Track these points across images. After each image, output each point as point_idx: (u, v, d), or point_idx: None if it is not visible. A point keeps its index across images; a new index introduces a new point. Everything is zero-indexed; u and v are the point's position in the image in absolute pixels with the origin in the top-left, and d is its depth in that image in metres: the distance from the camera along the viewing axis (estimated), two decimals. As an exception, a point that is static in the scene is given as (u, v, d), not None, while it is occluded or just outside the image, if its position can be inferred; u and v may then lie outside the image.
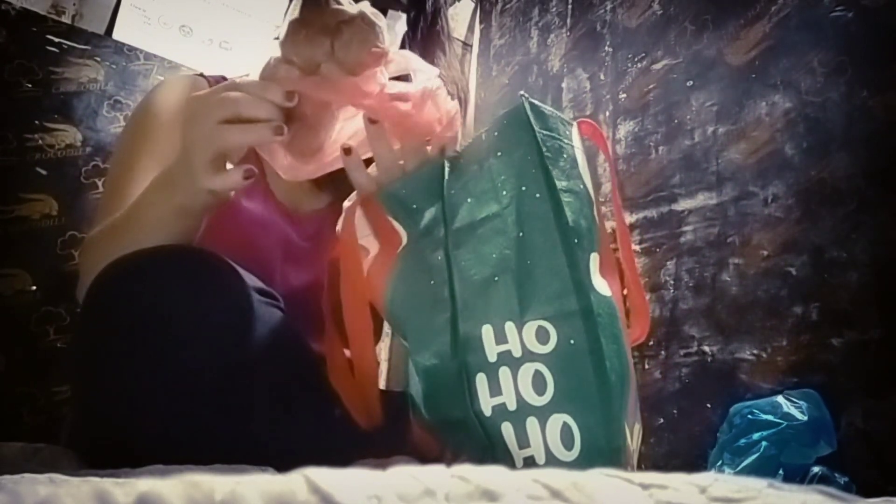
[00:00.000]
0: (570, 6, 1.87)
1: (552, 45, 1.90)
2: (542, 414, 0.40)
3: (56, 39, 1.52)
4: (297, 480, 0.21)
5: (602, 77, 1.67)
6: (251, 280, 0.56)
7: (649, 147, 1.47)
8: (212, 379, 0.50)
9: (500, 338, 0.42)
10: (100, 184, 1.52)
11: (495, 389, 0.41)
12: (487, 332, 0.42)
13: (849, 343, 1.01)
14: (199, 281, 0.51)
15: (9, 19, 1.46)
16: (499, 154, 0.47)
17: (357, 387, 0.54)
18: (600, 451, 0.40)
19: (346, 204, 0.55)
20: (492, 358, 0.42)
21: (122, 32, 1.67)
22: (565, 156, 0.47)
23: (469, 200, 0.47)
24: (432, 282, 0.46)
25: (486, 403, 0.41)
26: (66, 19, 1.58)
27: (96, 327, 0.51)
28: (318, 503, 0.20)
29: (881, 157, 1.03)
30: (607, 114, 1.63)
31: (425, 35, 0.82)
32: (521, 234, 0.45)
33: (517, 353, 0.42)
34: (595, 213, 0.48)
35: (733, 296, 1.20)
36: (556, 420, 0.40)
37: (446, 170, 0.48)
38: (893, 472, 0.91)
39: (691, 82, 1.40)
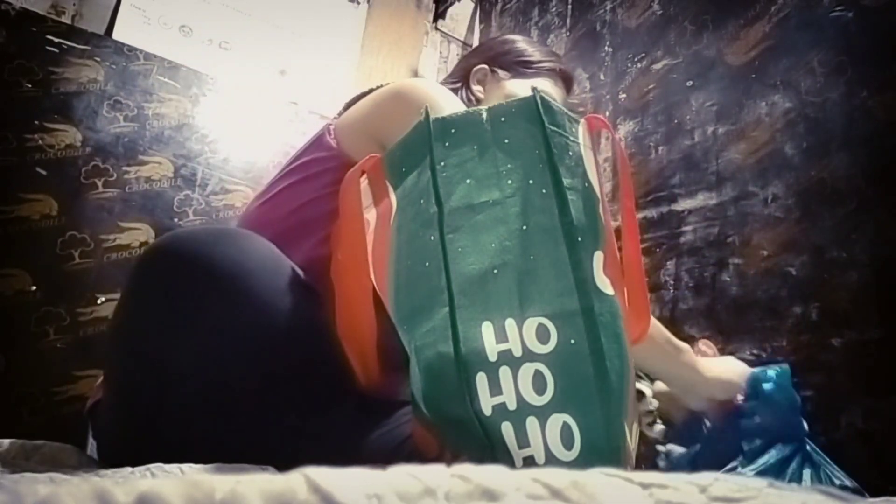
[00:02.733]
0: (570, 6, 1.87)
1: (552, 45, 1.90)
2: (542, 414, 0.40)
3: (56, 39, 1.52)
4: (297, 480, 0.21)
5: (602, 77, 1.67)
6: (294, 270, 0.57)
7: (649, 147, 1.47)
8: (241, 349, 0.51)
9: (501, 336, 0.42)
10: (100, 184, 1.53)
11: (495, 389, 0.41)
12: (487, 329, 0.42)
13: (849, 343, 1.01)
14: (244, 262, 0.52)
15: (9, 19, 1.46)
16: (505, 142, 0.47)
17: (358, 345, 0.54)
18: (600, 451, 0.40)
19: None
20: (492, 357, 0.42)
21: (122, 32, 1.67)
22: (571, 153, 0.47)
23: (468, 181, 0.46)
24: (427, 264, 0.45)
25: (487, 403, 0.41)
26: (66, 19, 1.58)
27: (146, 293, 0.52)
28: (318, 503, 0.20)
29: (881, 157, 1.03)
30: (607, 114, 1.63)
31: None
32: (524, 227, 0.44)
33: (517, 352, 0.42)
34: (601, 210, 0.47)
35: (733, 296, 1.20)
36: (556, 420, 0.40)
37: (431, 130, 0.47)
38: (893, 472, 0.91)
39: (691, 82, 1.40)
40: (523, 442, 0.40)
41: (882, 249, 1.00)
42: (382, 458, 0.50)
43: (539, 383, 0.41)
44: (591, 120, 0.52)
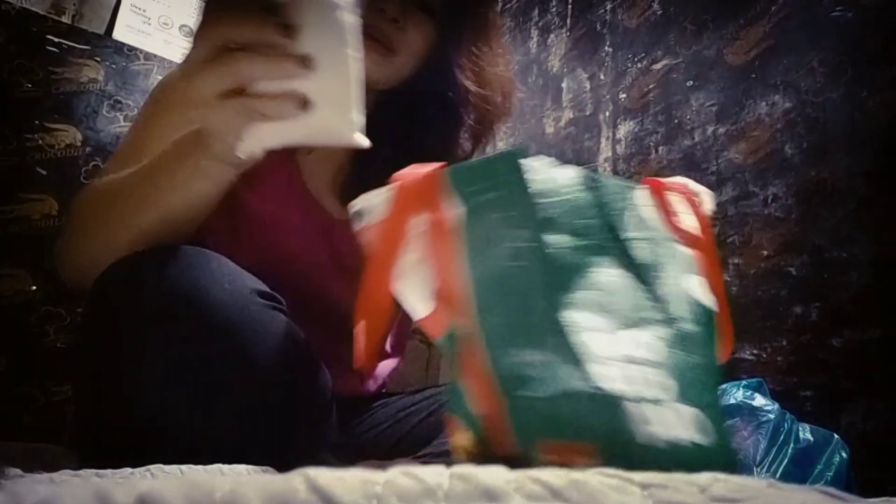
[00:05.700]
0: (570, 6, 1.87)
1: (552, 45, 1.90)
2: (666, 403, 0.41)
3: (56, 39, 1.52)
4: (297, 480, 0.21)
5: (602, 77, 1.67)
6: (253, 282, 0.56)
7: (649, 147, 1.47)
8: (211, 378, 0.50)
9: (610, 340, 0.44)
10: (100, 184, 1.53)
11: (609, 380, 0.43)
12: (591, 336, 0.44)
13: (849, 343, 1.01)
14: (200, 282, 0.52)
15: (9, 19, 1.46)
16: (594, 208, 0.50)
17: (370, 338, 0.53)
18: (715, 449, 0.41)
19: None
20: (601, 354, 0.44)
21: (122, 32, 1.67)
22: (639, 217, 0.50)
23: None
24: (513, 263, 0.46)
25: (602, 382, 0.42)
26: (66, 19, 1.58)
27: (99, 326, 0.51)
28: (318, 503, 0.20)
29: (881, 157, 1.03)
30: (607, 114, 1.63)
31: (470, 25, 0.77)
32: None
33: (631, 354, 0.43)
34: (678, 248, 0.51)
35: (733, 296, 1.20)
36: (681, 408, 0.41)
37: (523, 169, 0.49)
38: (893, 472, 0.91)
39: (691, 82, 1.40)
40: (644, 420, 0.40)
41: (882, 249, 1.00)
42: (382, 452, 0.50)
43: (661, 386, 0.42)
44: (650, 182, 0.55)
